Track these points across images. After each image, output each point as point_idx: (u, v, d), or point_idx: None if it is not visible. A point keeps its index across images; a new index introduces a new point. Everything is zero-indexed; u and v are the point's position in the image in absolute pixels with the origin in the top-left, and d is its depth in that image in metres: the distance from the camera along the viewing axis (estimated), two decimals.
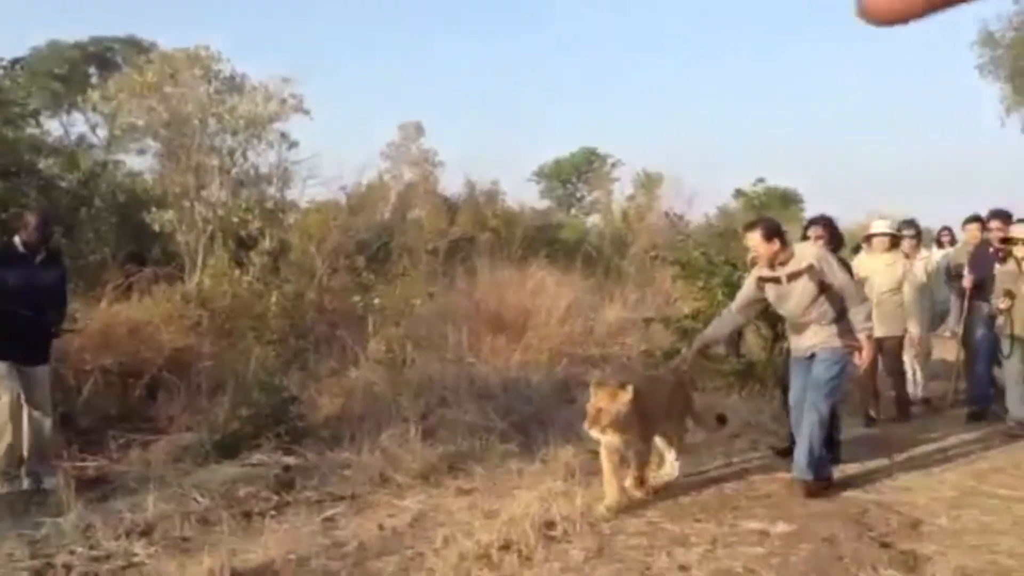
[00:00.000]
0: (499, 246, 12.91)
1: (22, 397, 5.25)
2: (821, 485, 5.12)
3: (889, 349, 7.11)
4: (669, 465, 5.40)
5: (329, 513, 4.78)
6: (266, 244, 11.10)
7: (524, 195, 20.72)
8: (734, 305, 5.44)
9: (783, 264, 5.08)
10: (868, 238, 7.39)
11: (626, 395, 4.57)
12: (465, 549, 4.12)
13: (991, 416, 7.10)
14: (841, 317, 5.07)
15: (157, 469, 5.42)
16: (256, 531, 4.48)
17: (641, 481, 4.97)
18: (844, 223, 11.97)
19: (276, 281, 9.68)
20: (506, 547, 4.16)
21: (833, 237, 6.13)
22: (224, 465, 5.42)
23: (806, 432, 5.06)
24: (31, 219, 5.48)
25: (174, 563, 3.95)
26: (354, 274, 9.86)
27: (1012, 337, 6.70)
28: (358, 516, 4.75)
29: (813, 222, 6.38)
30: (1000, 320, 6.77)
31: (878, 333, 6.82)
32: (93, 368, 6.82)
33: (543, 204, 26.76)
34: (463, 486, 5.27)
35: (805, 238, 6.07)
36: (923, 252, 8.20)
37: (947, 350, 8.51)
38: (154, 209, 10.99)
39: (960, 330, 7.55)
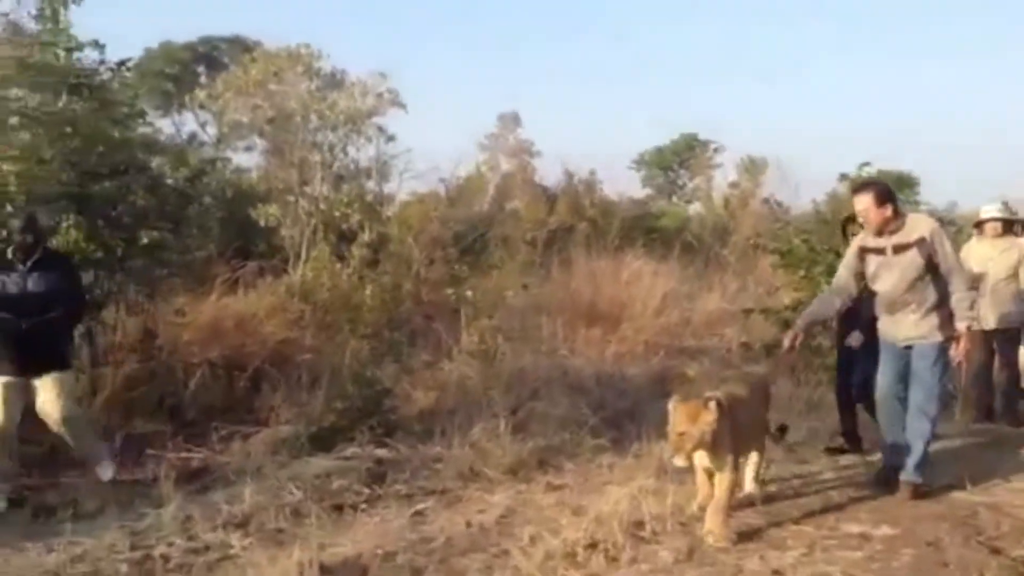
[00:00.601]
0: (596, 236, 12.77)
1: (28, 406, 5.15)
2: (926, 487, 4.86)
3: (1004, 342, 6.69)
4: (749, 484, 4.82)
5: (419, 507, 4.81)
6: (365, 237, 11.25)
7: (624, 184, 20.34)
8: (832, 286, 5.06)
9: (893, 233, 4.69)
10: (979, 224, 6.97)
11: (710, 414, 4.02)
12: (551, 548, 4.06)
13: None
14: (942, 303, 4.69)
15: (255, 461, 5.54)
16: (346, 524, 4.54)
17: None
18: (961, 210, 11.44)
19: (372, 274, 9.80)
20: (593, 546, 4.09)
21: None
22: (318, 458, 5.52)
23: (917, 435, 4.78)
24: (14, 223, 5.31)
25: (266, 555, 4.03)
26: (448, 265, 9.94)
27: None
28: (447, 511, 4.76)
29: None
30: None
31: (992, 324, 6.48)
32: (201, 361, 7.04)
33: (643, 193, 26.46)
34: (553, 481, 5.23)
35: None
36: None
37: None
38: (259, 204, 11.29)
39: None
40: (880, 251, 4.75)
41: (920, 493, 4.80)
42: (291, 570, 3.86)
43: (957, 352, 4.71)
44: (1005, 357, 6.74)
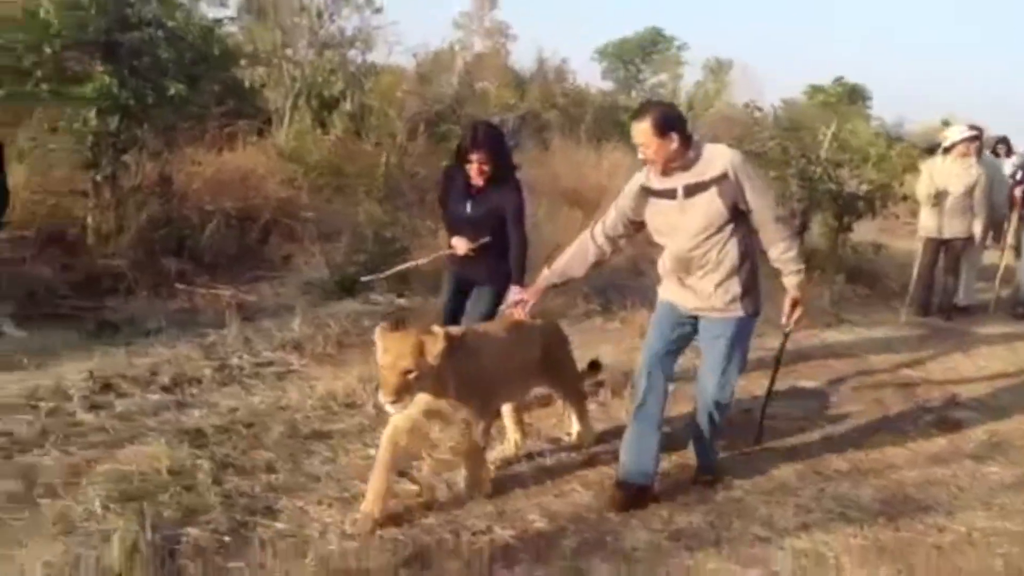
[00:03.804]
0: (568, 125, 13.47)
1: None
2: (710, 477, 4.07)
3: (953, 249, 7.77)
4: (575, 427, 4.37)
5: None
6: (348, 106, 11.77)
7: (585, 74, 20.96)
8: (599, 227, 3.89)
9: (683, 170, 3.59)
10: (949, 146, 7.91)
11: (438, 342, 3.24)
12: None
13: None
14: (746, 263, 3.65)
15: (286, 300, 6.33)
16: None
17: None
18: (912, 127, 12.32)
19: (360, 143, 10.40)
20: (599, 384, 5.03)
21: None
22: (345, 301, 6.32)
23: (705, 430, 3.95)
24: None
25: (328, 371, 4.87)
26: (436, 139, 10.55)
27: None
28: None
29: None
30: None
31: (948, 234, 7.55)
32: (215, 210, 7.70)
33: (605, 84, 27.03)
34: None
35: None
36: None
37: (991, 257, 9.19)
38: (243, 63, 11.63)
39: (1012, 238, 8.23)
40: (668, 194, 3.65)
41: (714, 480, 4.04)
42: (353, 384, 4.73)
43: (790, 320, 3.80)
44: (950, 263, 7.84)
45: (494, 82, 17.72)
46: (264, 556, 3.00)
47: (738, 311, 3.69)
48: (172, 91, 7.33)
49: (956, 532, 3.73)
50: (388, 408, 3.23)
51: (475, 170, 4.29)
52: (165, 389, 4.51)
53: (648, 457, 3.81)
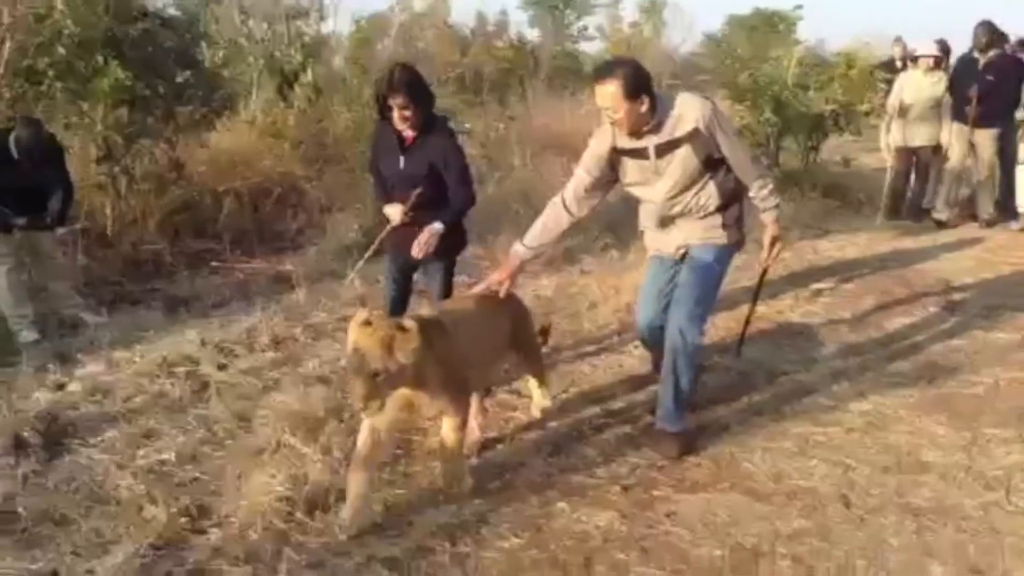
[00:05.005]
0: (527, 76, 14.08)
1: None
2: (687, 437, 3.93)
3: (925, 156, 8.62)
4: (540, 400, 4.23)
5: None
6: (308, 77, 12.16)
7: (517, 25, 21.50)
8: (569, 192, 3.77)
9: (653, 132, 3.56)
10: (915, 59, 8.72)
11: (411, 339, 2.99)
12: (619, 304, 5.71)
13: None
14: (728, 204, 3.77)
15: (326, 266, 6.87)
16: None
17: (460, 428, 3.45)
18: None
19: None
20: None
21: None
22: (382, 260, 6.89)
23: (681, 368, 3.79)
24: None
25: None
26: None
27: None
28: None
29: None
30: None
31: (918, 142, 8.40)
32: (225, 190, 8.17)
33: (533, 33, 27.51)
34: (584, 269, 6.84)
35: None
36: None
37: None
38: (203, 44, 11.94)
39: None
40: (639, 153, 3.64)
41: (686, 442, 3.90)
42: None
43: (770, 258, 3.92)
44: (922, 168, 8.70)
45: (435, 42, 18.17)
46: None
47: (721, 239, 3.79)
48: (180, 79, 7.78)
49: (984, 383, 4.57)
50: (361, 415, 3.11)
51: (398, 117, 3.98)
52: (269, 348, 5.07)
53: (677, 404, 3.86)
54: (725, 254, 3.84)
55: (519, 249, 3.82)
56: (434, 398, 3.27)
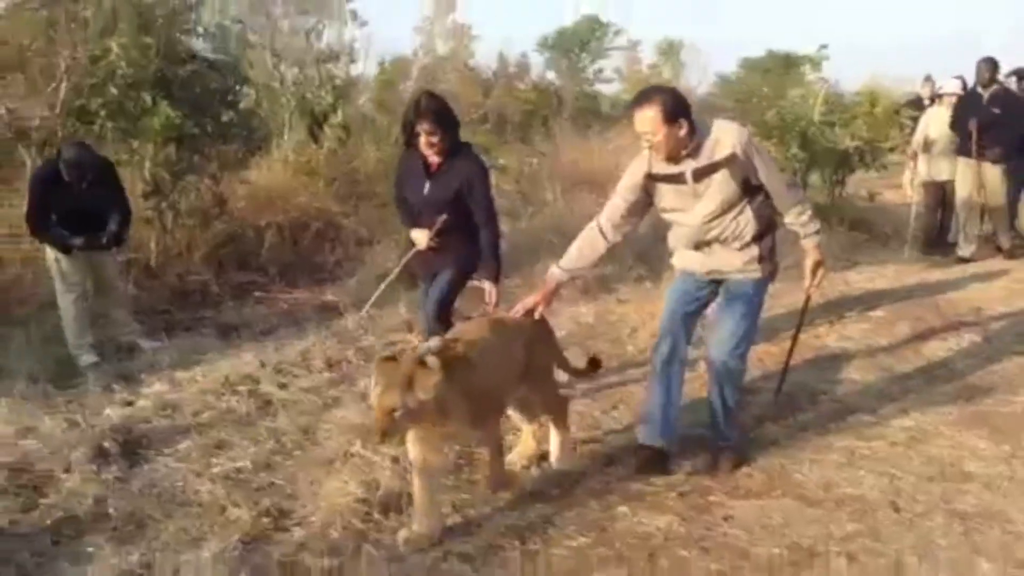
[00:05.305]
0: (552, 115, 14.44)
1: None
2: (740, 450, 4.09)
3: (951, 190, 8.79)
4: (555, 448, 4.04)
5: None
6: (339, 118, 12.51)
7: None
8: (604, 217, 3.85)
9: (691, 156, 3.63)
10: (940, 96, 8.97)
11: (432, 375, 3.04)
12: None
13: None
14: (765, 233, 3.80)
15: (368, 295, 7.08)
16: None
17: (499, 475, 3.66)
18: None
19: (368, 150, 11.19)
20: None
21: None
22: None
23: (728, 394, 3.94)
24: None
25: None
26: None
27: None
28: (553, 318, 6.49)
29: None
30: None
31: (945, 176, 8.62)
32: (265, 225, 8.45)
33: (549, 76, 28.00)
34: (620, 298, 7.06)
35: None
36: None
37: None
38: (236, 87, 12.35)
39: None
40: (676, 179, 3.69)
41: (739, 454, 4.05)
42: None
43: (813, 284, 3.95)
44: (949, 202, 8.90)
45: (457, 84, 18.57)
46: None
47: (756, 272, 3.81)
48: (225, 118, 8.11)
49: (1022, 402, 4.73)
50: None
51: (425, 143, 4.08)
52: (324, 369, 5.30)
53: (668, 419, 3.91)
54: (762, 287, 3.89)
55: (555, 272, 3.90)
56: (460, 429, 3.34)
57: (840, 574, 3.15)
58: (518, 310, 3.86)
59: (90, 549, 3.23)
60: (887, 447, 4.20)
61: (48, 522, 3.44)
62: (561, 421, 3.98)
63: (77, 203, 5.52)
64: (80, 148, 5.67)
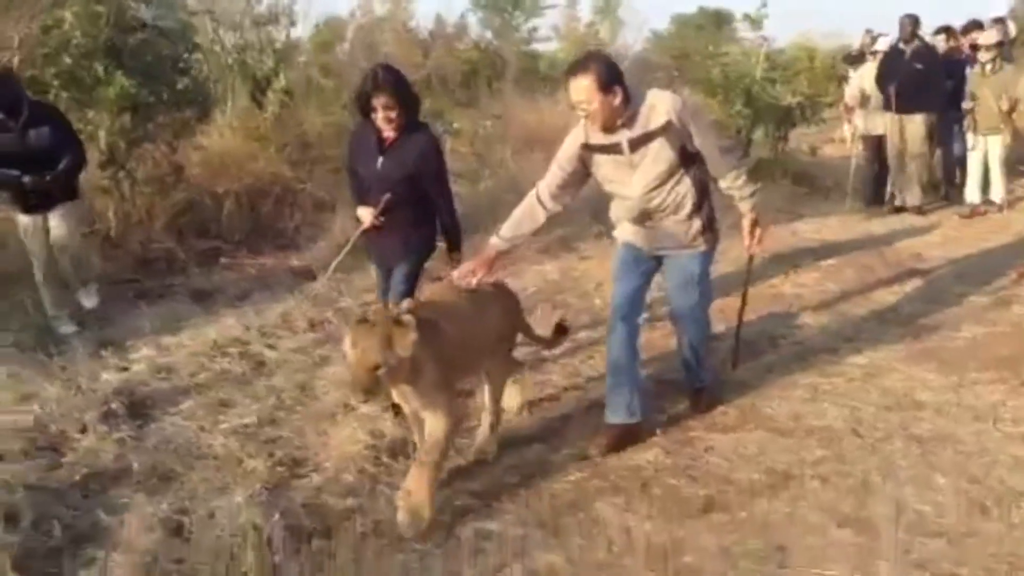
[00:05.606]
0: (494, 77, 14.60)
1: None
2: (713, 391, 4.41)
3: (883, 143, 9.22)
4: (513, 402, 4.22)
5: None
6: (281, 83, 12.52)
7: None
8: (543, 187, 3.83)
9: (627, 126, 3.63)
10: (873, 52, 9.35)
11: (408, 333, 3.11)
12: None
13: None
14: (704, 202, 3.86)
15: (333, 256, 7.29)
16: None
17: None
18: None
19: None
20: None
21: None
22: None
23: (688, 349, 4.21)
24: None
25: None
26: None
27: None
28: (517, 279, 6.77)
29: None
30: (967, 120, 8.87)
31: (880, 131, 9.07)
32: (225, 191, 8.55)
33: (487, 36, 28.02)
34: (582, 255, 7.37)
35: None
36: None
37: None
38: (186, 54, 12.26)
39: None
40: (613, 149, 3.69)
41: (712, 395, 4.39)
42: None
43: (754, 244, 4.01)
44: (885, 155, 9.35)
45: (395, 45, 18.57)
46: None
47: (701, 246, 3.91)
48: (180, 86, 8.17)
49: (964, 337, 5.22)
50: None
51: (382, 118, 3.98)
52: (308, 330, 5.52)
53: (631, 394, 3.95)
54: (708, 258, 4.00)
55: (495, 241, 3.83)
56: (424, 394, 3.34)
57: (815, 493, 3.52)
58: (458, 276, 3.71)
59: (124, 500, 3.45)
60: (846, 382, 4.61)
61: (77, 478, 3.65)
62: (499, 395, 3.94)
63: (19, 145, 5.38)
64: (3, 79, 5.48)
